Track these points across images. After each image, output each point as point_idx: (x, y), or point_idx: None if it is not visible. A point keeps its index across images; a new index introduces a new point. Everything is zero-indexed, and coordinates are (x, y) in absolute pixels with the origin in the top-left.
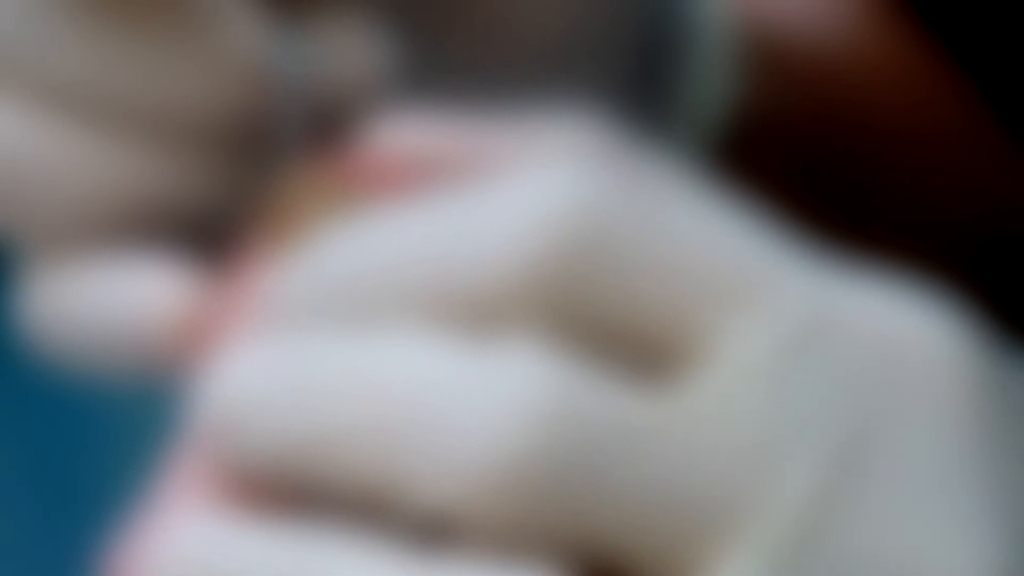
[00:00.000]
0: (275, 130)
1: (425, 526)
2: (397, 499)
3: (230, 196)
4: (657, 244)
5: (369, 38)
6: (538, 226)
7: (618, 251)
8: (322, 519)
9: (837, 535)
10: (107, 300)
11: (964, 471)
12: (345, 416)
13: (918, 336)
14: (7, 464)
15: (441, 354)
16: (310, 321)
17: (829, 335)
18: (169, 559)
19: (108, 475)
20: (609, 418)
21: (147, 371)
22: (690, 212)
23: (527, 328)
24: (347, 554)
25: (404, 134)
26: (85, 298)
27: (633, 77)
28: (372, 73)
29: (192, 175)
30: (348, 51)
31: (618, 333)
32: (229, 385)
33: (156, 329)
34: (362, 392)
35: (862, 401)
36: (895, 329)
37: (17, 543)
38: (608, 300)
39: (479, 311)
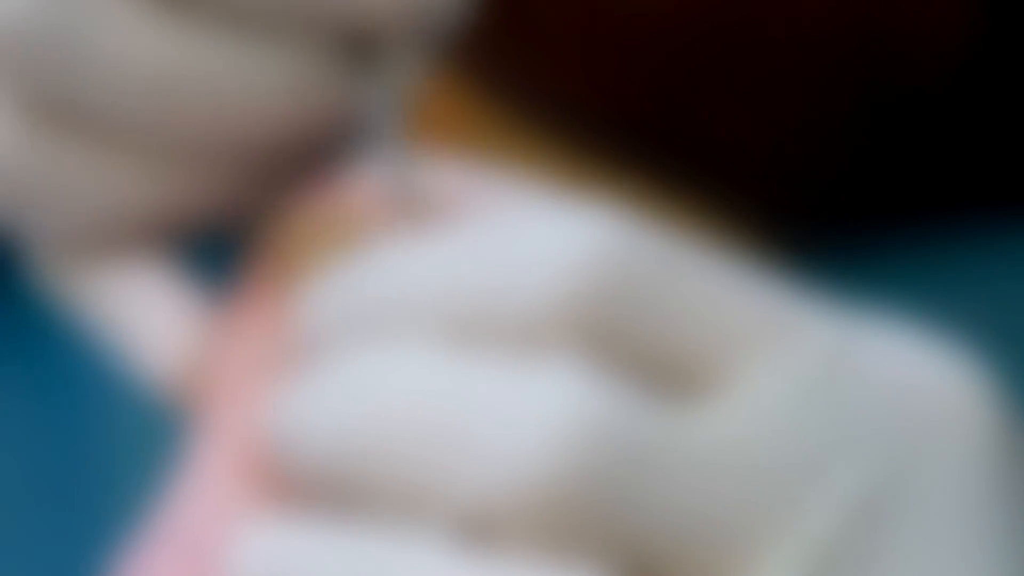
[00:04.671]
0: (345, 147)
1: (466, 530)
2: (442, 503)
3: (249, 218)
4: (686, 282)
5: (415, 65)
6: (576, 258)
7: (651, 286)
8: (368, 521)
9: (858, 564)
10: (121, 324)
11: (983, 514)
12: (394, 427)
13: (938, 381)
14: (13, 461)
15: (485, 370)
16: (355, 340)
17: (851, 375)
18: (246, 565)
19: (118, 477)
20: (642, 432)
21: (158, 389)
22: (713, 262)
23: (566, 350)
24: (411, 553)
25: (402, 176)
26: (103, 312)
27: None
28: (415, 89)
29: (236, 189)
30: (401, 75)
31: (650, 362)
32: (291, 401)
33: (162, 362)
34: (408, 405)
35: (885, 439)
36: (916, 374)
37: (22, 544)
38: (641, 330)
39: (519, 335)
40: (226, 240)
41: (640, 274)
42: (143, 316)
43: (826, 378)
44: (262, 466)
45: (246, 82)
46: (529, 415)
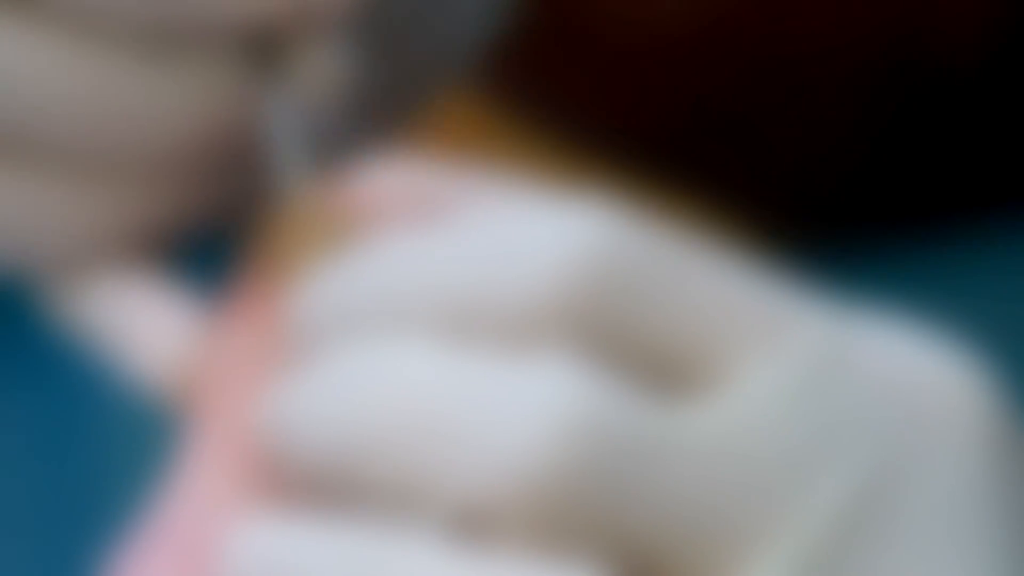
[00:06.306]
0: (266, 158)
1: (459, 524)
2: (438, 497)
3: (224, 221)
4: (680, 277)
5: (332, 59)
6: (571, 253)
7: (645, 281)
8: (362, 516)
9: (854, 560)
10: (111, 333)
11: (981, 510)
12: (389, 422)
13: (938, 379)
14: (10, 462)
15: (479, 364)
16: (349, 336)
17: (848, 370)
18: (241, 560)
19: (114, 478)
20: (636, 426)
21: (153, 395)
22: (709, 257)
23: (560, 344)
24: (406, 548)
25: (394, 172)
26: (91, 326)
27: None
28: (336, 86)
29: (169, 201)
30: (315, 72)
31: (644, 356)
32: (285, 396)
33: (156, 364)
34: (402, 399)
35: (883, 437)
36: (915, 370)
37: (19, 545)
38: (636, 325)
39: (513, 330)
40: (217, 243)
41: (634, 269)
42: (134, 322)
43: (822, 373)
44: (257, 462)
45: (162, 97)
46: (523, 408)
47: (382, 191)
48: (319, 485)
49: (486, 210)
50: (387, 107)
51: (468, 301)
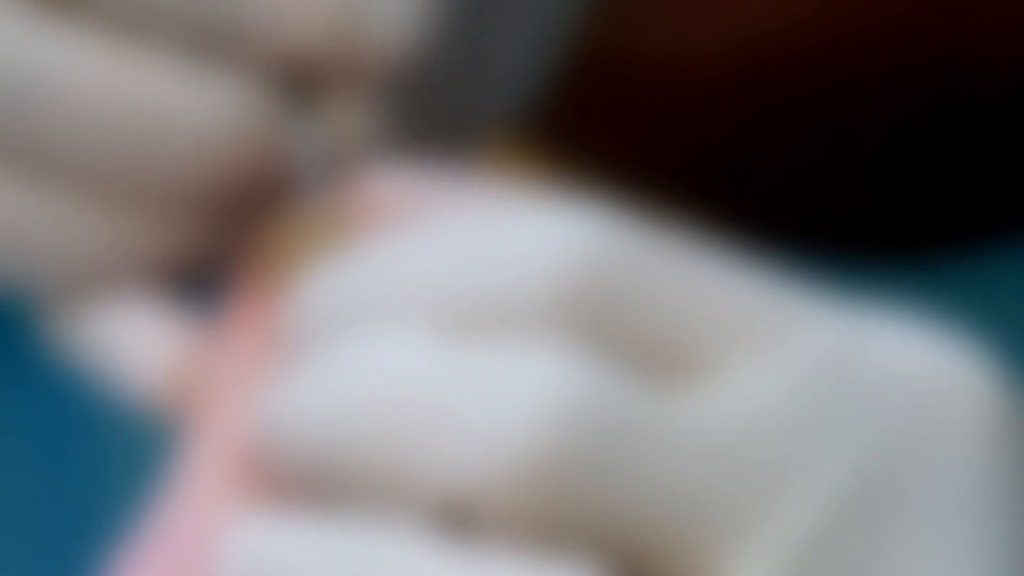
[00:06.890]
0: (284, 188)
1: (448, 517)
2: (429, 488)
3: (227, 246)
4: (675, 272)
5: (365, 109)
6: (564, 249)
7: (639, 276)
8: (355, 513)
9: (849, 553)
10: (110, 347)
11: (983, 514)
12: (378, 414)
13: (947, 375)
14: (12, 470)
15: (471, 355)
16: (342, 331)
17: (851, 368)
18: (233, 559)
19: (112, 485)
20: (627, 416)
21: (150, 407)
22: (706, 256)
23: (553, 336)
24: (397, 544)
25: (392, 180)
26: (91, 342)
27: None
28: (365, 136)
29: (185, 231)
30: (347, 118)
31: (636, 350)
32: (278, 392)
33: (154, 376)
34: (392, 391)
35: (885, 433)
36: (925, 368)
37: (19, 549)
38: (629, 319)
39: (507, 323)
40: (215, 272)
41: (628, 264)
42: (132, 330)
43: (820, 368)
44: (251, 462)
45: (192, 115)
46: (514, 397)
47: (379, 195)
48: (312, 482)
49: (482, 210)
50: (430, 151)
51: (461, 295)
